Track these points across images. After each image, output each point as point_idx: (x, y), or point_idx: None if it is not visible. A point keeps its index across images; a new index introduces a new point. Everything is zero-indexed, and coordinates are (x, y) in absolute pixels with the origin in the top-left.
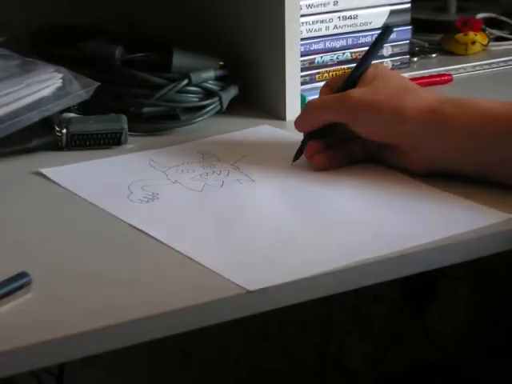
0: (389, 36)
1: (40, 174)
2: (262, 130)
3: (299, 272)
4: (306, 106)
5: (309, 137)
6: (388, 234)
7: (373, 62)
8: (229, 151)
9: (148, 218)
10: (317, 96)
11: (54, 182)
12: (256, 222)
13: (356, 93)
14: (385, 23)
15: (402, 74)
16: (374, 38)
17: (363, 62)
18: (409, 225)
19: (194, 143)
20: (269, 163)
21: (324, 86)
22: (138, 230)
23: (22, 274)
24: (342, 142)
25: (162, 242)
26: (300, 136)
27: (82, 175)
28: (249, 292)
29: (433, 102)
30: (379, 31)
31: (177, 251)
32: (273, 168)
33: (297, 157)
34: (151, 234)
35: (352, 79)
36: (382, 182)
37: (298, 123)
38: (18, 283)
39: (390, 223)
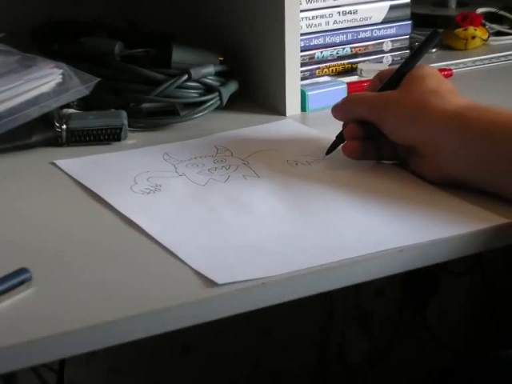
0: (436, 40)
1: (40, 169)
2: (284, 125)
3: (284, 268)
4: (345, 99)
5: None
6: (383, 233)
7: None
8: (244, 146)
9: (141, 208)
10: (316, 91)
11: (64, 174)
12: (250, 218)
13: (391, 93)
14: (385, 18)
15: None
16: (373, 33)
17: (405, 64)
18: (406, 225)
19: (212, 137)
20: (280, 159)
21: (376, 76)
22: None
23: (23, 270)
24: (377, 136)
25: (150, 235)
26: (322, 131)
27: (93, 167)
28: (218, 285)
29: (457, 106)
30: (428, 34)
31: (165, 246)
32: (282, 164)
33: (330, 150)
34: (140, 224)
35: (392, 80)
36: (385, 182)
37: (334, 110)
38: (18, 279)
39: (387, 222)
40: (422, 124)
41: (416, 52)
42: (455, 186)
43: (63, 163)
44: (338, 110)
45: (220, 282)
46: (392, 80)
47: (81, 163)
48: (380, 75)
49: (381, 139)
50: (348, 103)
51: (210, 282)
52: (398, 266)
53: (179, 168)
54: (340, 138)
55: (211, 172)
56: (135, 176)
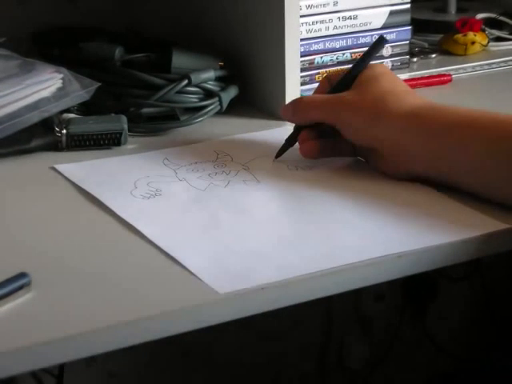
0: (383, 46)
1: (40, 174)
2: (284, 130)
3: (284, 274)
4: (297, 103)
5: (299, 130)
6: (383, 238)
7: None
8: (244, 151)
9: (142, 213)
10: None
11: (64, 178)
12: (250, 223)
13: (347, 94)
14: (385, 23)
15: (401, 75)
16: (373, 39)
17: (357, 65)
18: (406, 230)
19: (212, 142)
20: (280, 164)
21: (325, 78)
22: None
23: (22, 275)
24: (334, 135)
25: (150, 240)
26: None
27: (93, 171)
28: (219, 294)
29: (414, 107)
30: (376, 38)
31: (165, 251)
32: (282, 169)
33: (280, 153)
34: (140, 229)
35: (345, 81)
36: (385, 187)
37: (288, 113)
38: (17, 284)
39: (386, 227)
40: (380, 126)
41: (366, 54)
42: (420, 180)
43: (63, 168)
44: (292, 114)
45: (221, 291)
46: (344, 81)
47: (81, 168)
48: (329, 77)
49: (338, 137)
50: (302, 106)
51: (210, 288)
52: (397, 271)
53: (179, 173)
54: (290, 141)
55: (211, 177)
56: (135, 181)
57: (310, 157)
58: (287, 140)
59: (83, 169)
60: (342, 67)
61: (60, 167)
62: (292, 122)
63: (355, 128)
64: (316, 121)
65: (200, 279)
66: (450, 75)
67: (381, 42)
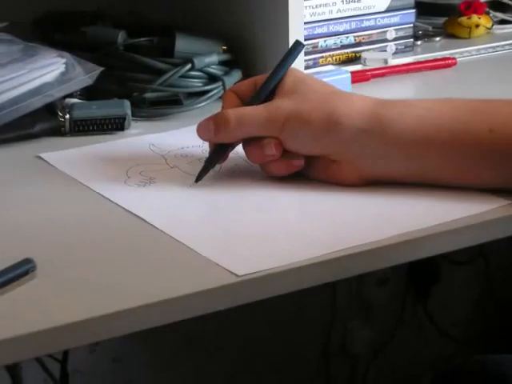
0: (302, 49)
1: (43, 159)
2: None
3: (295, 257)
4: (223, 120)
5: (223, 148)
6: (386, 219)
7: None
8: None
9: (141, 201)
10: None
11: (55, 167)
12: (248, 207)
13: (283, 103)
14: (389, 6)
15: (405, 59)
16: (377, 22)
17: (277, 71)
18: (408, 211)
19: (195, 127)
20: None
21: (229, 91)
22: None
23: (27, 261)
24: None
25: (155, 227)
26: None
27: (83, 160)
28: (238, 276)
29: (366, 106)
30: (293, 44)
31: (173, 238)
32: None
33: (201, 176)
34: (143, 217)
35: (268, 88)
36: None
37: (209, 135)
38: (22, 270)
39: (388, 209)
40: (336, 133)
41: (284, 58)
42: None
43: (49, 156)
44: (215, 132)
45: (239, 273)
46: (265, 89)
47: (68, 156)
48: (234, 90)
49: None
50: (232, 123)
51: (221, 272)
52: (408, 255)
53: (169, 159)
54: (212, 162)
55: (202, 162)
56: (127, 170)
57: (281, 175)
58: (208, 161)
59: (71, 158)
60: (345, 51)
61: (45, 156)
62: (215, 141)
63: (304, 139)
64: (253, 135)
65: (220, 265)
66: (454, 58)
67: (298, 45)
